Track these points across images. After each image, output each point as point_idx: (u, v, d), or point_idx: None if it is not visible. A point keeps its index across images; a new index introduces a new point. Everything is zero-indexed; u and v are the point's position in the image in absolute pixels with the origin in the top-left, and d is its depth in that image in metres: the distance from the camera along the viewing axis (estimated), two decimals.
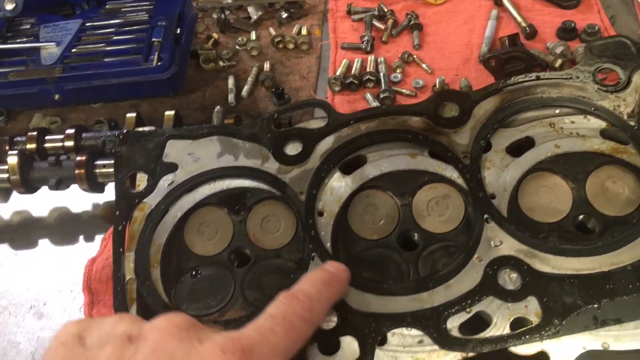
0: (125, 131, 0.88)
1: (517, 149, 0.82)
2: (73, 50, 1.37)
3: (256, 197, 0.83)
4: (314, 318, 0.63)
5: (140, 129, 1.00)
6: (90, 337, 0.53)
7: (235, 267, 0.81)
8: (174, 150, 0.85)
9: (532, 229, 0.78)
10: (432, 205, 0.81)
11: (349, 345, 0.69)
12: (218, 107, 1.15)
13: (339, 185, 0.82)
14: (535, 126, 0.82)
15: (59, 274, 1.10)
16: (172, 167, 0.84)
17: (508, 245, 0.74)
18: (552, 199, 0.79)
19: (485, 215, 0.76)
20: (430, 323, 0.70)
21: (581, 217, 0.79)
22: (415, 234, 0.80)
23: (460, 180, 0.80)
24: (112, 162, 1.07)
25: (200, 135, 0.86)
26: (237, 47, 1.48)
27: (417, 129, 0.83)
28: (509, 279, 0.72)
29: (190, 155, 0.85)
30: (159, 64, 1.32)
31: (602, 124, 0.81)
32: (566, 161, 0.80)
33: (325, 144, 0.84)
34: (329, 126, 0.85)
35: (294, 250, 0.80)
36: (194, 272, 0.80)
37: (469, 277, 0.73)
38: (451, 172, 0.81)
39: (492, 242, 0.74)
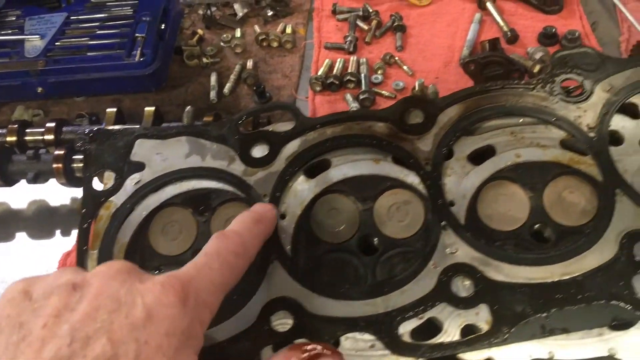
0: (95, 129, 0.88)
1: (479, 157, 0.82)
2: (57, 43, 1.38)
3: (221, 198, 0.84)
4: (247, 253, 0.68)
5: (109, 127, 1.01)
6: (36, 290, 0.56)
7: None
8: (142, 149, 0.86)
9: (490, 236, 0.79)
10: (393, 210, 0.82)
11: None
12: (188, 107, 1.16)
13: (302, 188, 0.83)
14: (498, 135, 0.83)
15: (35, 267, 1.12)
16: (140, 166, 0.85)
17: (463, 253, 0.75)
18: (510, 208, 0.80)
19: (443, 222, 0.77)
20: (383, 328, 0.72)
21: (537, 226, 0.80)
22: (376, 239, 0.81)
23: (421, 187, 0.81)
24: None
25: (169, 135, 0.87)
26: (222, 43, 1.49)
27: (381, 134, 0.84)
28: (462, 286, 0.73)
29: (158, 155, 0.86)
30: (142, 59, 1.33)
31: (562, 135, 0.82)
32: (525, 170, 0.81)
33: (291, 147, 0.85)
34: (295, 129, 0.86)
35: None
36: (157, 272, 0.81)
37: (424, 284, 0.74)
38: (413, 179, 0.82)
39: (448, 249, 0.75)
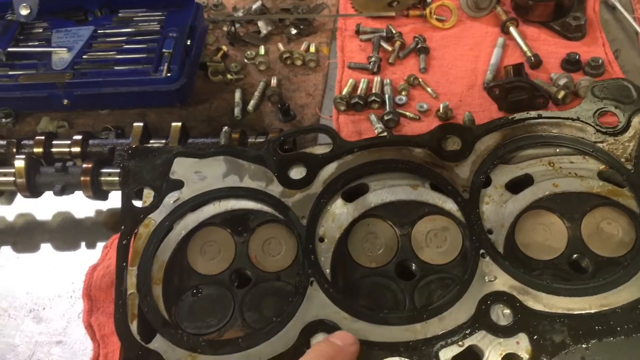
0: (134, 146, 0.89)
1: (516, 185, 0.84)
2: (84, 56, 1.39)
3: (259, 219, 0.85)
4: None
5: (148, 145, 1.01)
6: None
7: (236, 287, 0.83)
8: (181, 167, 0.87)
9: (528, 265, 0.80)
10: (431, 236, 0.83)
11: None
12: (226, 127, 1.17)
13: (340, 212, 0.83)
14: (535, 164, 0.84)
15: (60, 279, 1.12)
16: (179, 184, 0.86)
17: (502, 281, 0.76)
18: (548, 237, 0.81)
19: (482, 250, 0.77)
20: (423, 354, 0.72)
21: (575, 256, 0.81)
22: (413, 264, 0.82)
23: (459, 214, 0.82)
24: (118, 171, 1.10)
25: (208, 155, 0.88)
26: (246, 60, 1.50)
27: (419, 160, 0.85)
28: (502, 315, 0.74)
29: (196, 174, 0.87)
30: (169, 74, 1.34)
31: (599, 166, 0.83)
32: (563, 200, 0.82)
33: (329, 170, 0.86)
34: (333, 152, 0.87)
35: (294, 273, 0.82)
36: (194, 291, 0.82)
37: (463, 311, 0.74)
38: (451, 205, 0.83)
39: (486, 277, 0.76)
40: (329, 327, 0.74)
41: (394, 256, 0.82)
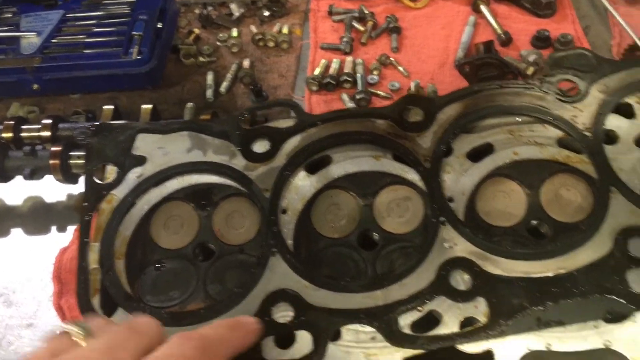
0: (97, 123, 0.89)
1: (478, 154, 0.84)
2: (53, 40, 1.38)
3: (223, 193, 0.85)
4: (207, 359, 0.59)
5: (111, 122, 1.01)
6: None
7: (200, 261, 0.83)
8: (144, 143, 0.87)
9: (488, 232, 0.80)
10: (393, 206, 0.83)
11: (304, 339, 0.72)
12: (190, 103, 1.16)
13: (303, 184, 0.84)
14: (496, 133, 0.85)
15: (30, 263, 1.11)
16: (141, 160, 0.86)
17: (462, 248, 0.76)
18: (507, 204, 0.82)
19: (442, 218, 0.78)
20: (383, 320, 0.73)
21: (534, 222, 0.81)
22: (375, 234, 0.83)
23: (421, 183, 0.83)
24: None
25: (171, 130, 0.88)
26: (218, 43, 1.50)
27: (382, 131, 0.86)
28: (461, 280, 0.75)
29: (160, 149, 0.86)
30: (139, 57, 1.33)
31: (559, 133, 0.83)
32: (523, 168, 0.83)
33: (292, 143, 0.86)
34: (296, 126, 0.87)
35: (257, 246, 0.82)
36: (158, 265, 0.82)
37: (423, 277, 0.75)
38: (413, 175, 0.83)
39: (446, 244, 0.77)
40: (291, 297, 0.75)
41: (356, 227, 0.83)
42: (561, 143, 0.84)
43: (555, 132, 0.84)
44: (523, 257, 0.75)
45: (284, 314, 0.73)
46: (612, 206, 0.78)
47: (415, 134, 0.85)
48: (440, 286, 0.74)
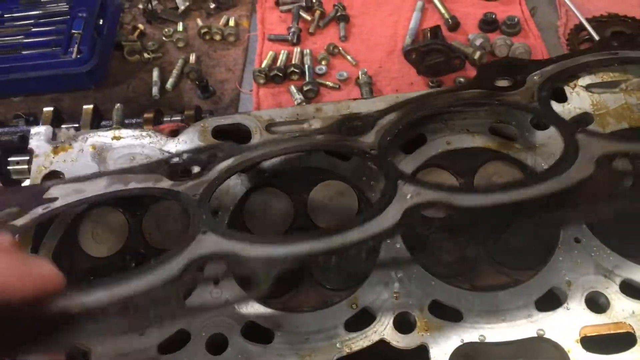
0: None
1: (410, 145, 0.83)
2: None
3: (152, 197, 0.83)
4: None
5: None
6: None
7: (133, 267, 0.81)
8: (58, 190, 0.81)
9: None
10: (327, 202, 0.82)
11: None
12: (118, 105, 1.14)
13: (234, 183, 0.82)
14: (428, 123, 0.83)
15: None
16: (52, 200, 0.80)
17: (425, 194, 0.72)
18: None
19: (399, 180, 0.74)
20: None
21: None
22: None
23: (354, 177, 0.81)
24: (27, 158, 1.05)
25: (90, 177, 0.83)
26: (164, 38, 1.47)
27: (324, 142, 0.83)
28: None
29: (75, 192, 0.80)
30: (79, 56, 1.30)
31: (490, 121, 0.82)
32: (455, 157, 0.82)
33: (226, 164, 0.82)
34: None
35: None
36: (89, 276, 0.79)
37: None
38: (344, 170, 0.82)
39: (408, 196, 0.73)
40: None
41: (290, 225, 0.81)
42: (493, 130, 0.83)
43: (487, 120, 0.83)
44: None
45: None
46: None
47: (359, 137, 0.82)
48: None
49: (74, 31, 1.32)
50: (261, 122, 0.85)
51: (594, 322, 0.70)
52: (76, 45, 1.30)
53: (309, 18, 1.46)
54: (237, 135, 0.87)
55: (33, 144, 0.88)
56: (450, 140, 0.82)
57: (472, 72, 1.29)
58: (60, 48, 1.30)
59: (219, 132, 0.86)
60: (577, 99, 0.84)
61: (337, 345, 0.71)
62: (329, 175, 0.82)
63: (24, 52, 1.32)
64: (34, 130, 0.88)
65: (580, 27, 1.32)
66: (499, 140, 0.82)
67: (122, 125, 1.04)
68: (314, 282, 0.78)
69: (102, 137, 0.87)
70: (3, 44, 1.33)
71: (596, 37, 1.27)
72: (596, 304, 0.72)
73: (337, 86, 1.32)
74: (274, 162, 0.83)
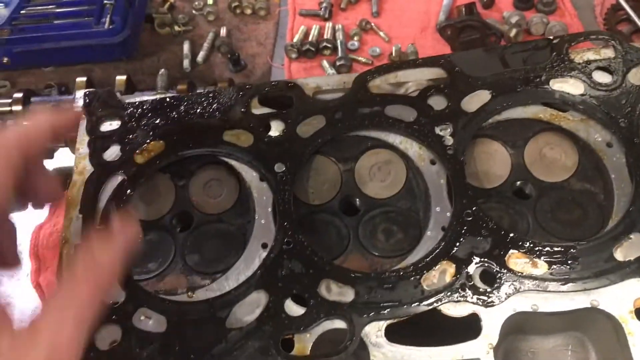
0: None
1: None
2: (22, 11, 1.33)
3: (199, 161, 0.82)
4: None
5: None
6: None
7: (178, 232, 0.81)
8: None
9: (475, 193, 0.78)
10: (375, 171, 0.81)
11: None
12: (162, 70, 1.13)
13: None
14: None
15: None
16: None
17: None
18: (491, 165, 0.80)
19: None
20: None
21: (519, 182, 0.80)
22: (357, 200, 0.81)
23: (402, 146, 0.80)
24: None
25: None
26: (194, 11, 1.46)
27: None
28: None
29: None
30: (111, 27, 1.29)
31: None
32: (506, 127, 0.81)
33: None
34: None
35: (236, 214, 0.80)
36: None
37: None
38: (394, 138, 0.81)
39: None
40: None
41: (338, 192, 0.81)
42: (545, 102, 0.82)
43: None
44: None
45: None
46: None
47: None
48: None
49: (106, 1, 1.31)
50: (307, 89, 0.85)
51: None
52: (108, 16, 1.30)
53: None
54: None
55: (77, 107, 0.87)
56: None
57: None
58: (93, 18, 1.29)
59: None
60: None
61: None
62: (378, 143, 0.82)
63: (55, 22, 1.31)
64: (78, 94, 0.87)
65: (617, 7, 1.31)
66: (550, 111, 0.81)
67: (167, 91, 1.03)
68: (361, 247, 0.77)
69: None
70: (35, 14, 1.33)
71: (634, 16, 1.25)
72: None
73: (370, 61, 1.31)
74: (323, 130, 0.82)
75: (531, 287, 0.70)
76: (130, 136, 0.82)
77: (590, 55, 0.83)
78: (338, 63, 1.29)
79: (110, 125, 0.83)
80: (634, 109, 0.78)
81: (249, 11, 1.44)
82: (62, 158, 1.10)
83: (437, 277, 0.71)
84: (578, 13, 1.33)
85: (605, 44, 0.84)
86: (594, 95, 0.79)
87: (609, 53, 0.83)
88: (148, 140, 0.81)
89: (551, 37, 0.85)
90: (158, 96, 0.85)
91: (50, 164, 1.17)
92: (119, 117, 0.83)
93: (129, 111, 0.83)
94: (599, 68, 0.82)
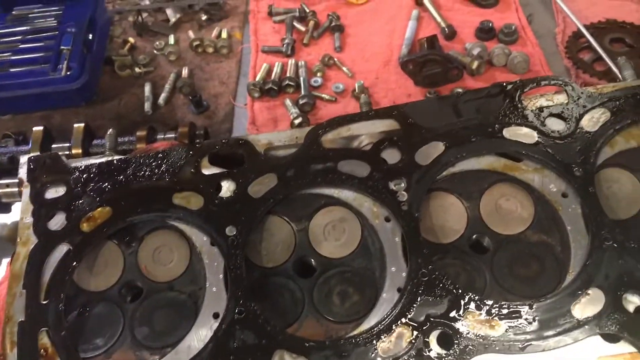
0: None
1: None
2: None
3: (148, 226, 0.80)
4: None
5: None
6: None
7: (127, 302, 0.78)
8: None
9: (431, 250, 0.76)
10: (329, 229, 0.79)
11: None
12: (110, 130, 1.11)
13: None
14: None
15: None
16: None
17: None
18: (447, 219, 0.79)
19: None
20: None
21: (475, 236, 0.78)
22: (312, 260, 0.79)
23: (356, 203, 0.79)
24: (16, 181, 1.03)
25: None
26: (155, 51, 1.44)
27: None
28: None
29: None
30: (69, 73, 1.27)
31: None
32: (461, 180, 0.80)
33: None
34: None
35: (187, 281, 0.78)
36: (81, 310, 0.77)
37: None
38: (347, 195, 0.79)
39: None
40: None
41: (292, 253, 0.79)
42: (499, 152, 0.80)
43: None
44: None
45: None
46: None
47: None
48: None
49: (62, 47, 1.29)
50: (259, 146, 0.83)
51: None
52: (65, 62, 1.27)
53: (302, 29, 1.43)
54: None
55: (22, 173, 0.85)
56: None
57: (469, 82, 1.27)
58: (49, 65, 1.27)
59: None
60: None
61: None
62: (331, 201, 0.80)
63: (12, 70, 1.29)
64: (22, 159, 0.85)
65: (578, 34, 1.30)
66: (504, 161, 0.80)
67: (115, 151, 1.01)
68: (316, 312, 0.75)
69: None
70: None
71: (595, 44, 1.25)
72: None
73: (334, 98, 1.29)
74: (275, 189, 0.80)
75: (490, 349, 0.68)
76: (76, 203, 0.79)
77: (543, 102, 0.82)
78: (301, 101, 1.27)
79: (55, 192, 0.81)
80: (587, 157, 0.77)
81: (210, 50, 1.42)
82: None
83: (393, 343, 0.69)
84: (540, 42, 1.33)
85: (558, 88, 0.83)
86: (548, 144, 0.78)
87: (561, 98, 0.82)
88: (95, 207, 0.78)
89: (504, 83, 0.84)
90: (105, 159, 0.82)
91: (7, 218, 1.15)
92: (64, 182, 0.81)
93: (75, 176, 0.81)
94: (552, 115, 0.81)
